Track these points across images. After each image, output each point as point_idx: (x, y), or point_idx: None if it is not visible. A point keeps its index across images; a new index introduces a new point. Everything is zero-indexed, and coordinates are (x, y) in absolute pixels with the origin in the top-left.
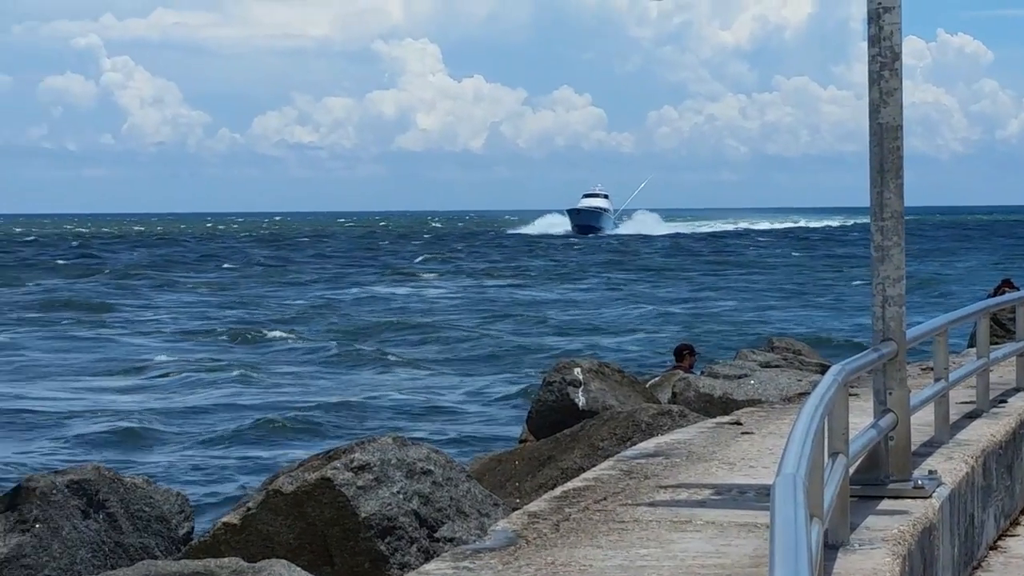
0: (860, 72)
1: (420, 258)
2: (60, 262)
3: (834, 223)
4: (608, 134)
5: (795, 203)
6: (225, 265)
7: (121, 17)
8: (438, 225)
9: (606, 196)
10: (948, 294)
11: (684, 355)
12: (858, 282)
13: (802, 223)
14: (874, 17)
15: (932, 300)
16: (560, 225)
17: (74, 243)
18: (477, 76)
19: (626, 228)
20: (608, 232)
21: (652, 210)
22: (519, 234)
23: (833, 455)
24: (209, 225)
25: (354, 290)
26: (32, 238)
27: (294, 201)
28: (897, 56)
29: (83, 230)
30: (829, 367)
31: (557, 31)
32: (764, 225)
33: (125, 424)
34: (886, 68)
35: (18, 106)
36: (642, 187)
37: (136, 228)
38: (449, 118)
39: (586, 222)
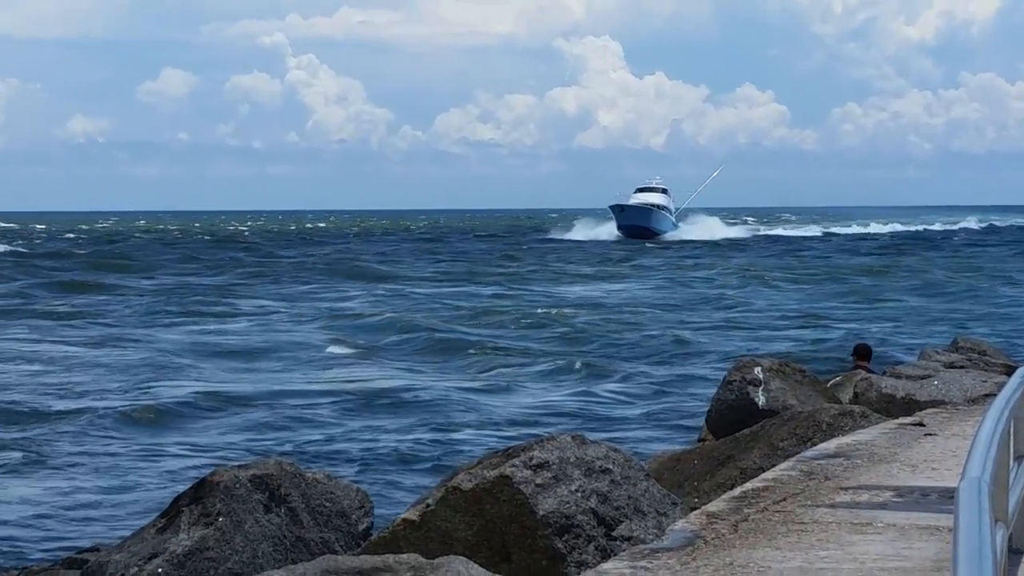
0: None
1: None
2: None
3: (971, 224)
4: (791, 131)
5: (982, 201)
6: (401, 263)
7: (307, 16)
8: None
9: (664, 191)
10: None
11: (865, 354)
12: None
13: (931, 227)
14: None
15: None
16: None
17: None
18: (659, 73)
19: (687, 231)
20: (666, 236)
21: (729, 210)
22: (549, 238)
23: (1019, 458)
24: (385, 223)
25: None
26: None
27: (475, 198)
28: None
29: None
30: (1015, 368)
31: (740, 28)
32: (876, 228)
33: (299, 413)
34: None
35: (205, 104)
36: (713, 176)
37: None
38: (630, 115)
39: (634, 222)
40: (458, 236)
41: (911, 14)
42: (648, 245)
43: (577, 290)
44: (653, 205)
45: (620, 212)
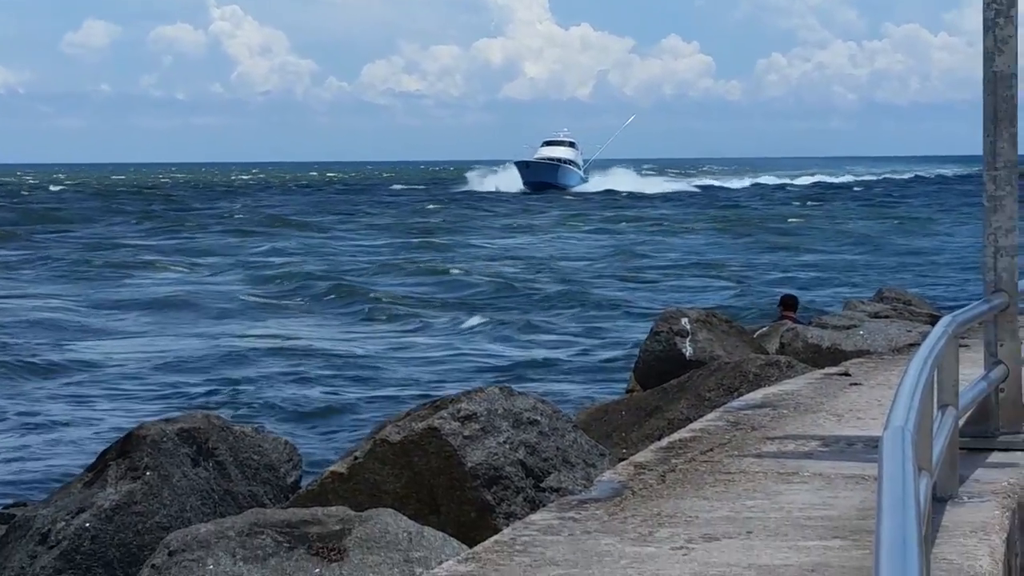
0: (973, 19)
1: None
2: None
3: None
4: (716, 82)
5: (907, 151)
6: (328, 217)
7: None
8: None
9: (572, 144)
10: None
11: (791, 305)
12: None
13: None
14: None
15: None
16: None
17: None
18: (584, 24)
19: (596, 184)
20: (574, 189)
21: (644, 162)
22: (469, 191)
23: (942, 407)
24: (313, 174)
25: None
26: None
27: (401, 150)
28: (1013, 3)
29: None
30: (939, 318)
31: None
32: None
33: (224, 366)
34: (1001, 15)
35: (129, 55)
36: (625, 126)
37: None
38: (556, 66)
39: (539, 179)
40: (382, 188)
41: None
42: (567, 198)
43: (496, 242)
44: (559, 160)
45: (525, 168)
